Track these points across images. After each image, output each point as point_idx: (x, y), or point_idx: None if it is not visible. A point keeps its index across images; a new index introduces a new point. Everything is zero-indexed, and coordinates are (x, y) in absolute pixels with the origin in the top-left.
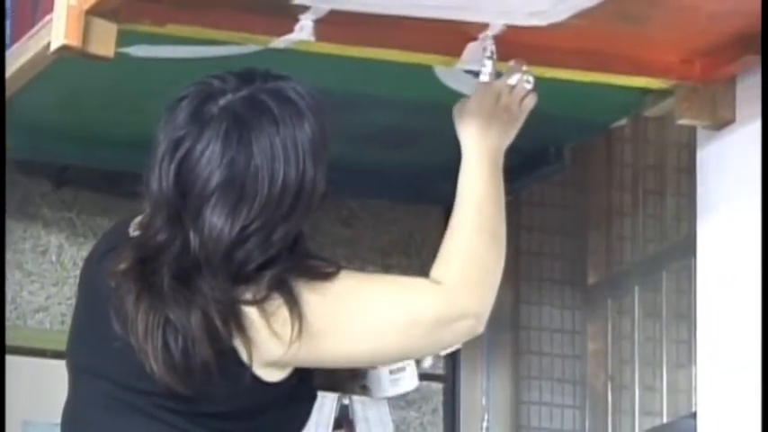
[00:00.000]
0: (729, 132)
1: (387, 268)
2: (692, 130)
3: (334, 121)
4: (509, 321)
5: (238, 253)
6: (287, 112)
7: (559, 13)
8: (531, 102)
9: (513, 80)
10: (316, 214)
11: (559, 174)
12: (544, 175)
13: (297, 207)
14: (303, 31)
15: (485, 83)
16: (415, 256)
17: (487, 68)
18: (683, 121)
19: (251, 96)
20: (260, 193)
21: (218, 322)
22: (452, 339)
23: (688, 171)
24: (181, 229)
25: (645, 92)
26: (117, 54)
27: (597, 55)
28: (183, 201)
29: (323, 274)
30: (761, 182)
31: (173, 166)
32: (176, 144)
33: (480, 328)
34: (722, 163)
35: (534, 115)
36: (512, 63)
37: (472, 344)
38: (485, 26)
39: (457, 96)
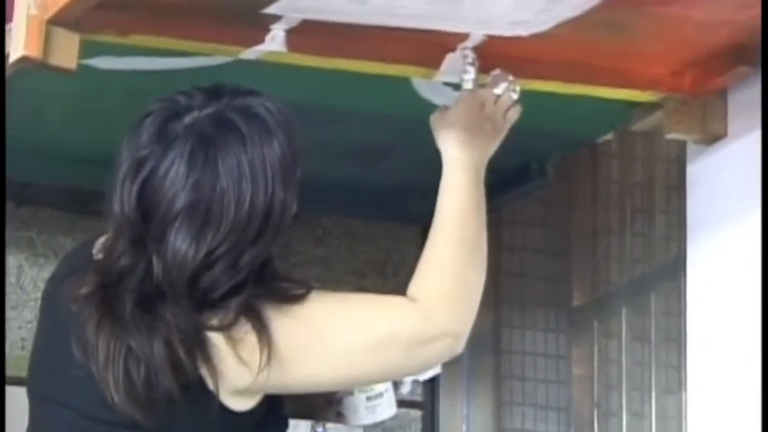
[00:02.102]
0: (721, 147)
1: (362, 289)
2: (682, 144)
3: (306, 137)
4: (490, 345)
5: (204, 279)
6: (255, 129)
7: (542, 23)
8: (515, 113)
9: (498, 89)
10: (287, 234)
11: (542, 191)
12: (526, 193)
13: (265, 230)
14: (275, 42)
15: (468, 90)
16: (392, 276)
17: (470, 75)
18: (672, 136)
19: (218, 114)
20: (226, 216)
21: (181, 352)
22: (430, 360)
23: (677, 188)
24: (144, 254)
25: (632, 105)
26: (80, 66)
27: (582, 66)
28: (146, 224)
29: (292, 296)
30: (761, 197)
31: (135, 188)
32: (139, 164)
33: (459, 348)
34: (713, 179)
35: (516, 129)
36: (497, 72)
37: (452, 369)
38: (464, 36)
39: (435, 109)
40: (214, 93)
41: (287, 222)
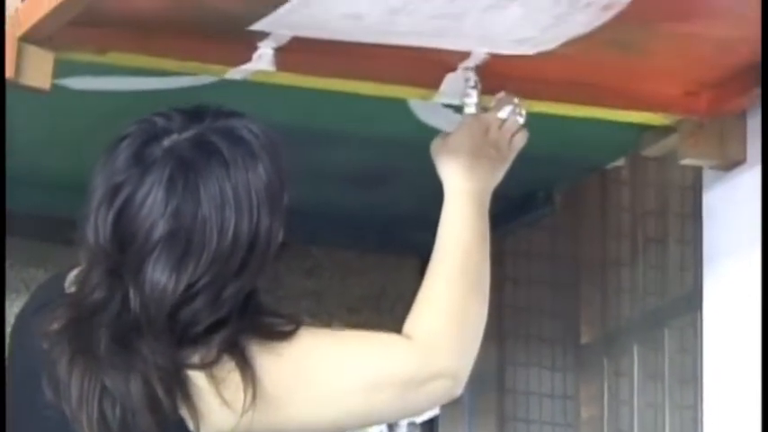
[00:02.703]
0: (739, 173)
1: (355, 325)
2: (698, 170)
3: (295, 162)
4: (493, 384)
5: (184, 313)
6: (239, 153)
7: (549, 41)
8: (522, 139)
9: (503, 113)
10: (274, 266)
11: (549, 220)
12: (532, 222)
13: (250, 261)
14: (262, 60)
15: (471, 115)
16: (387, 312)
17: (473, 99)
18: (686, 161)
19: (199, 136)
20: (208, 246)
21: (159, 391)
22: (427, 402)
23: (693, 216)
24: (120, 286)
25: (644, 128)
26: (53, 86)
27: (591, 87)
28: (123, 254)
29: (280, 333)
30: (761, 230)
31: (110, 216)
32: (115, 190)
33: (458, 390)
34: (731, 207)
35: (521, 154)
36: (501, 95)
37: (452, 410)
38: (465, 55)
39: (434, 133)
40: (195, 114)
41: (273, 253)
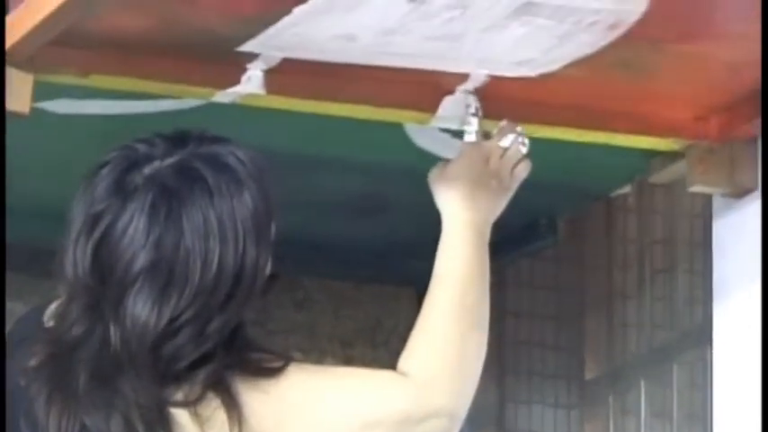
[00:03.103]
0: (750, 201)
1: (348, 360)
2: (707, 198)
3: (285, 189)
4: (493, 422)
5: (167, 348)
6: (224, 180)
7: (551, 63)
8: (524, 169)
9: (505, 142)
10: (262, 298)
11: (552, 249)
12: (534, 251)
13: (236, 294)
14: (251, 83)
15: (472, 143)
16: (382, 346)
17: (473, 126)
18: (695, 189)
19: (182, 163)
20: (191, 278)
21: (141, 430)
22: None
23: (702, 246)
24: (100, 320)
25: (651, 154)
26: (33, 109)
27: (595, 111)
28: (103, 287)
29: (268, 369)
30: (761, 261)
31: (90, 246)
32: (94, 220)
33: (455, 430)
34: (742, 237)
35: (523, 181)
36: (504, 123)
37: None
38: (464, 77)
39: (431, 158)
40: (178, 140)
41: (260, 285)
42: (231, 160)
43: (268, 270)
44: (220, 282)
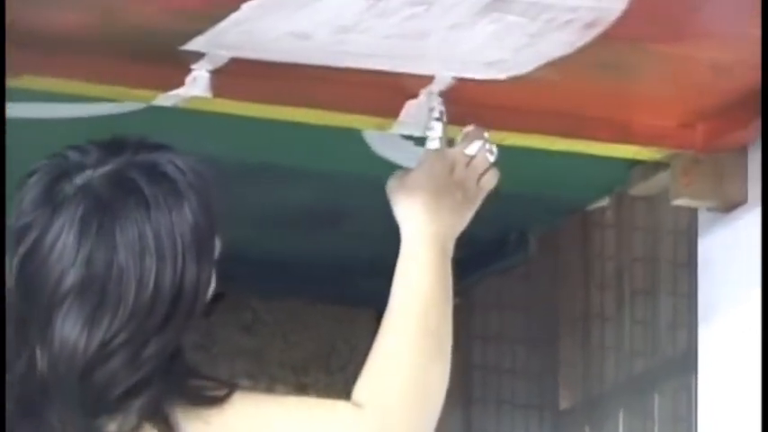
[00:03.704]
0: (739, 216)
1: (301, 388)
2: (693, 213)
3: (230, 201)
4: None
5: (98, 375)
6: (161, 192)
7: (523, 64)
8: (492, 179)
9: (471, 149)
10: (206, 320)
11: (523, 267)
12: (504, 269)
13: (174, 315)
14: (196, 85)
15: (434, 150)
16: (338, 372)
17: (436, 132)
18: (680, 202)
19: (116, 173)
20: (125, 298)
21: None
22: None
23: (687, 265)
24: (26, 343)
25: (632, 164)
26: None
27: (571, 117)
28: (29, 306)
29: (210, 398)
30: (761, 281)
31: (15, 263)
32: (20, 234)
33: None
34: (730, 255)
35: (491, 194)
36: (470, 128)
37: None
38: (428, 79)
39: (392, 168)
40: (113, 147)
41: (201, 305)
42: (170, 169)
43: (211, 289)
44: (157, 302)
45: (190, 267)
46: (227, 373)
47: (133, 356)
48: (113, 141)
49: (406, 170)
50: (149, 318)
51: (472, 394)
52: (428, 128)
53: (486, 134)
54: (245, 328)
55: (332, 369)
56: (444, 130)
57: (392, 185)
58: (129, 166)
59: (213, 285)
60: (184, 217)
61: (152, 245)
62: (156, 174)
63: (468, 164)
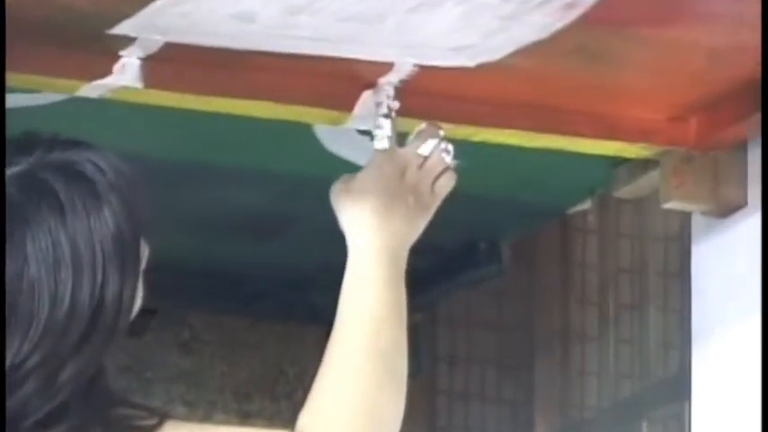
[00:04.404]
0: (737, 221)
1: (244, 416)
2: (685, 217)
3: (163, 204)
4: None
5: (9, 402)
6: (78, 195)
7: (494, 50)
8: (448, 182)
9: (425, 149)
10: (135, 339)
11: (494, 280)
12: (472, 282)
13: (94, 334)
14: (126, 74)
15: (383, 151)
16: (285, 398)
17: (384, 131)
18: (670, 205)
19: (27, 174)
20: (38, 315)
21: None
22: None
23: (678, 276)
24: None
25: (617, 162)
26: None
27: (548, 110)
28: None
29: (137, 428)
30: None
31: None
32: None
33: None
34: (727, 264)
35: (457, 195)
36: (424, 125)
37: None
38: (387, 67)
39: (347, 168)
40: (23, 145)
41: (125, 322)
42: (88, 169)
43: (137, 304)
44: (74, 319)
45: (111, 279)
46: (161, 399)
47: (47, 381)
48: (23, 138)
49: (350, 174)
50: (65, 337)
51: (437, 423)
52: (376, 125)
53: (441, 132)
54: (182, 348)
55: (278, 395)
56: (394, 128)
57: (336, 190)
58: (41, 165)
59: (140, 300)
60: (104, 222)
61: (68, 255)
62: (72, 174)
63: (421, 165)
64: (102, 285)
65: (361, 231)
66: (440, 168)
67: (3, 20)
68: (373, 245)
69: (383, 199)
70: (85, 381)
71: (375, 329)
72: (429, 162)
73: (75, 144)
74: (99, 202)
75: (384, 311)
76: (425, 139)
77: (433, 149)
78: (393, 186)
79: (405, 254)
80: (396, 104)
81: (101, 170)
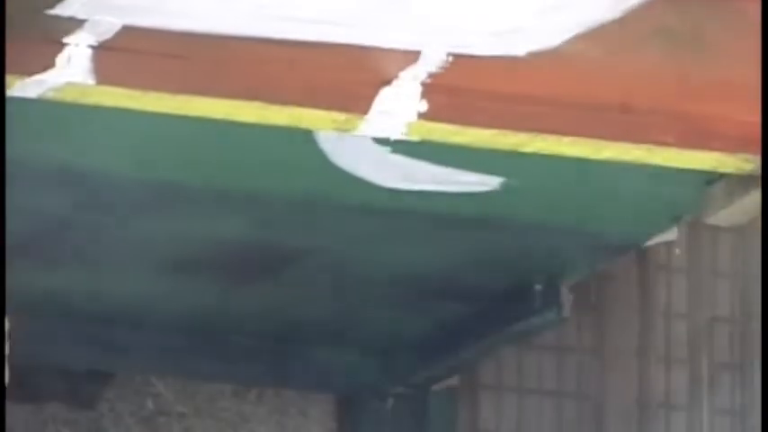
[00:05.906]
0: None
1: None
2: None
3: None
4: None
5: None
6: None
7: (550, 33)
8: None
9: None
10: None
11: (553, 332)
12: (524, 335)
13: None
14: (73, 66)
15: None
16: None
17: None
18: None
19: None
20: None
21: None
22: None
23: None
24: None
25: (710, 179)
26: None
27: (621, 112)
28: None
29: None
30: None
31: None
32: None
33: None
34: None
35: (505, 227)
36: None
37: None
38: (412, 56)
39: (358, 186)
40: None
41: None
42: None
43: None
44: None
45: None
46: None
47: None
48: None
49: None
50: None
51: None
52: None
53: None
54: (145, 424)
55: None
56: None
57: None
58: None
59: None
60: None
61: None
62: None
63: None
64: None
65: None
66: None
67: (2, 20)
68: None
69: None
70: None
71: None
72: None
73: None
74: None
75: None
76: None
77: None
78: None
79: None
80: (423, 106)
81: None
